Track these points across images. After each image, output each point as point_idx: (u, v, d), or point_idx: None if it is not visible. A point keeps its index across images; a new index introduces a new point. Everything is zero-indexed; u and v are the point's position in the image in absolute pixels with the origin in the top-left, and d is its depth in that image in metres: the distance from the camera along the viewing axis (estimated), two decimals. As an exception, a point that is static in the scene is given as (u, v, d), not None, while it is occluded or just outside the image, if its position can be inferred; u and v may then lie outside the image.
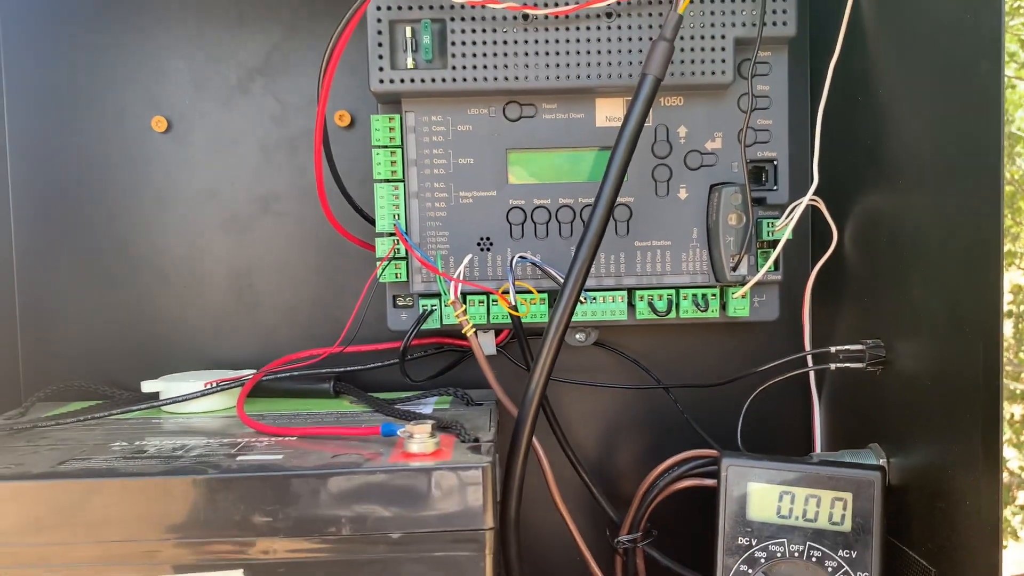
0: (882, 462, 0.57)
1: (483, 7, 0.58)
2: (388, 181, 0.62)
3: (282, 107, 0.69)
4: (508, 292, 0.59)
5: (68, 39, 0.68)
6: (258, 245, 0.70)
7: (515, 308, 0.59)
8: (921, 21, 0.52)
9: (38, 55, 0.68)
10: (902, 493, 0.55)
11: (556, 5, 0.58)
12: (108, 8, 0.68)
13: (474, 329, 0.58)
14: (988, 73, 0.44)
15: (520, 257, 0.61)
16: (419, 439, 0.48)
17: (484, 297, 0.62)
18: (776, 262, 0.63)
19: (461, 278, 0.59)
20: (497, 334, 0.67)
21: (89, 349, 0.70)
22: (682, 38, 0.59)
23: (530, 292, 0.60)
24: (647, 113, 0.55)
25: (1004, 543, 0.53)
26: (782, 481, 0.56)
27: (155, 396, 0.63)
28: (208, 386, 0.62)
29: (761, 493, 0.56)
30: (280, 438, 0.54)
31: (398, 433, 0.50)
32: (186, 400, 0.61)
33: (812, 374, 0.67)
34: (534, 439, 0.59)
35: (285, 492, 0.46)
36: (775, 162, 0.62)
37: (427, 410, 0.61)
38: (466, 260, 0.60)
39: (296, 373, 0.65)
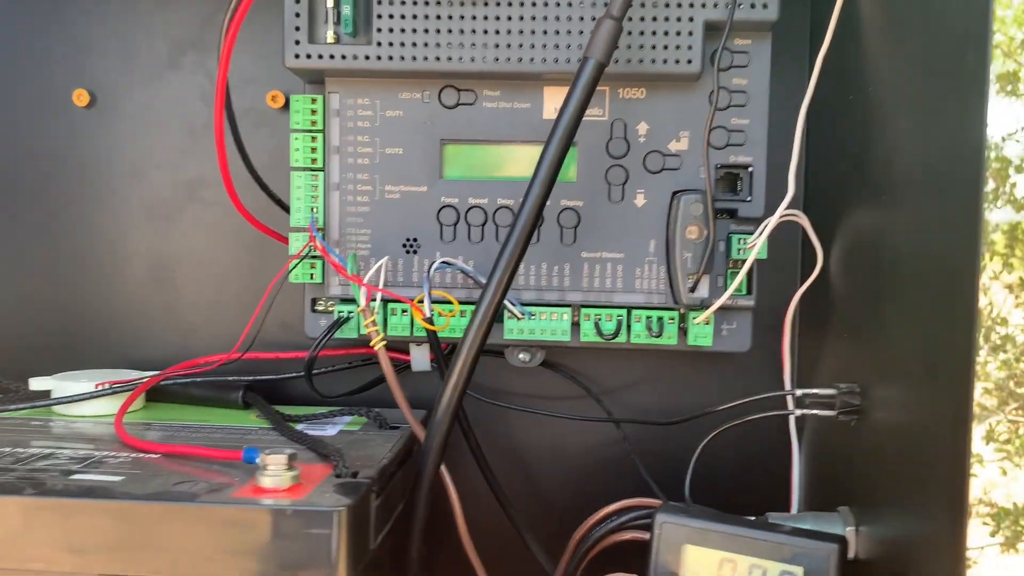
0: (848, 531, 0.48)
1: (412, -25, 0.51)
2: (307, 169, 0.55)
3: (214, 85, 0.63)
4: (423, 303, 0.51)
5: (-10, 2, 0.63)
6: (182, 235, 0.64)
7: (430, 321, 0.51)
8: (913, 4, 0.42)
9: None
10: (873, 568, 0.46)
11: (498, -24, 0.51)
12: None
13: (384, 342, 0.51)
14: (973, 63, 0.35)
15: (443, 263, 0.53)
16: (272, 472, 0.41)
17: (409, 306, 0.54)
18: (748, 285, 0.54)
19: (375, 284, 0.52)
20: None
21: (2, 339, 0.64)
22: (642, 19, 0.51)
23: (450, 303, 0.53)
24: (587, 102, 0.47)
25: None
26: (724, 546, 0.47)
27: (45, 396, 0.57)
28: (99, 388, 0.56)
29: (698, 558, 0.47)
30: (144, 455, 0.47)
31: (256, 461, 0.43)
32: (73, 401, 0.55)
33: (792, 420, 0.57)
34: (446, 475, 0.52)
35: (110, 524, 0.39)
36: (750, 168, 0.53)
37: (332, 431, 0.54)
38: (379, 263, 0.53)
39: (199, 380, 0.58)
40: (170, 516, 0.39)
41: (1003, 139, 2.51)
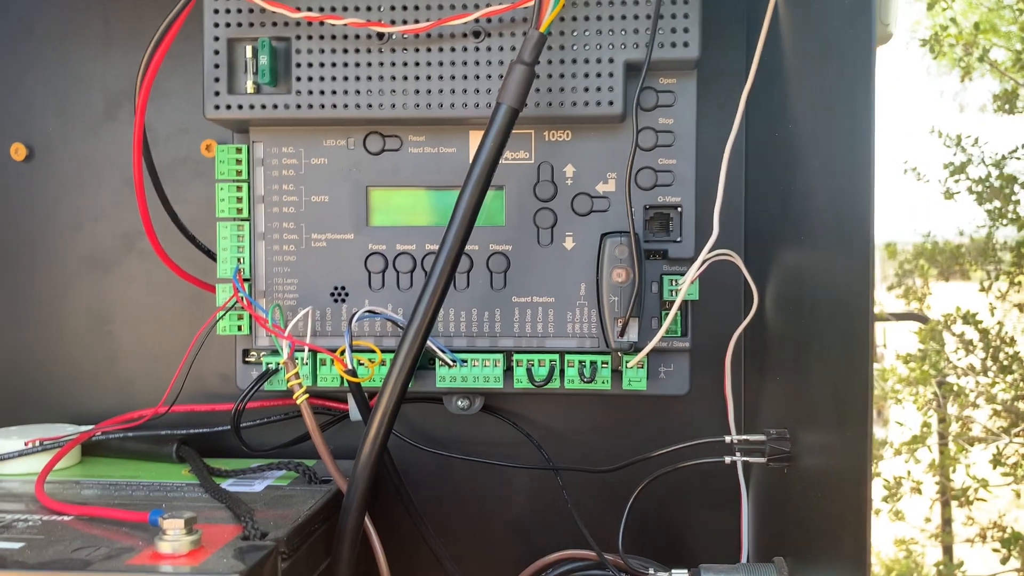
0: (780, 584, 0.46)
1: (326, 24, 0.50)
2: (233, 219, 0.54)
3: (151, 134, 0.62)
4: (345, 354, 0.50)
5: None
6: (120, 286, 0.63)
7: (352, 372, 0.50)
8: (822, 37, 0.41)
9: None
10: (804, 624, 0.44)
11: (414, 21, 0.50)
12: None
13: (306, 396, 0.50)
14: (861, 98, 0.34)
15: (367, 311, 0.52)
16: (171, 536, 0.40)
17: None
18: (682, 326, 0.53)
19: (300, 335, 0.51)
20: (370, 397, 0.58)
21: (-58, 394, 0.64)
22: (563, 62, 0.50)
23: (373, 352, 0.52)
24: (502, 148, 0.46)
25: None
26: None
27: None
28: (28, 445, 0.55)
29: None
30: (56, 517, 0.46)
31: (159, 521, 0.41)
32: (2, 460, 0.55)
33: (740, 469, 0.56)
34: (370, 528, 0.50)
35: (-1, 593, 0.38)
36: (680, 209, 0.52)
37: (259, 487, 0.53)
38: (302, 314, 0.52)
39: (136, 434, 0.57)
40: (59, 587, 0.38)
41: (1003, 157, 2.49)
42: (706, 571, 0.48)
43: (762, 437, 0.48)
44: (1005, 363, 2.27)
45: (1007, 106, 2.40)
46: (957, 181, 2.47)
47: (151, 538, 0.42)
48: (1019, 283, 2.50)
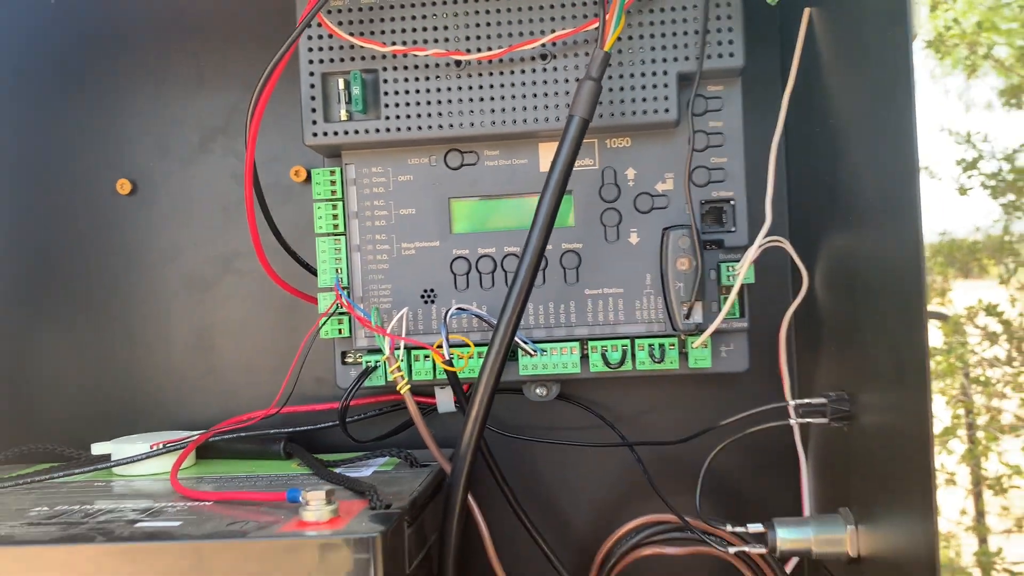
0: (849, 529, 0.51)
1: (412, 55, 0.57)
2: (330, 235, 0.60)
3: (243, 165, 0.69)
4: (442, 347, 0.56)
5: (35, 107, 0.70)
6: (220, 304, 0.69)
7: (449, 363, 0.56)
8: (857, 40, 0.47)
9: (8, 124, 0.70)
10: (871, 562, 0.50)
11: (488, 49, 0.56)
12: (72, 77, 0.69)
13: (409, 386, 0.56)
14: (901, 95, 0.39)
15: (458, 309, 0.58)
16: (313, 507, 0.46)
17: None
18: (739, 308, 0.58)
19: (397, 333, 0.57)
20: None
21: (58, 410, 0.70)
22: (621, 76, 0.56)
23: (467, 345, 0.58)
24: (575, 155, 0.52)
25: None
26: None
27: (106, 460, 0.63)
28: (154, 448, 0.61)
29: None
30: (197, 503, 0.52)
31: (299, 499, 0.47)
32: (131, 463, 0.61)
33: (797, 431, 0.61)
34: (472, 503, 0.56)
35: (172, 563, 0.44)
36: (733, 202, 0.58)
37: (367, 473, 0.58)
38: (401, 314, 0.58)
39: (244, 434, 0.63)
40: (225, 552, 0.44)
41: (1014, 151, 2.53)
42: (779, 524, 0.53)
43: (823, 400, 0.53)
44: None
45: (1014, 100, 2.45)
46: (970, 177, 2.52)
47: (290, 514, 0.48)
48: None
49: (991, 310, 2.25)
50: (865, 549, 0.50)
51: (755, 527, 0.54)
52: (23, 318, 0.70)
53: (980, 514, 2.51)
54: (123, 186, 0.69)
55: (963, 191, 2.57)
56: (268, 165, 0.68)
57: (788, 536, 0.52)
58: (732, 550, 0.55)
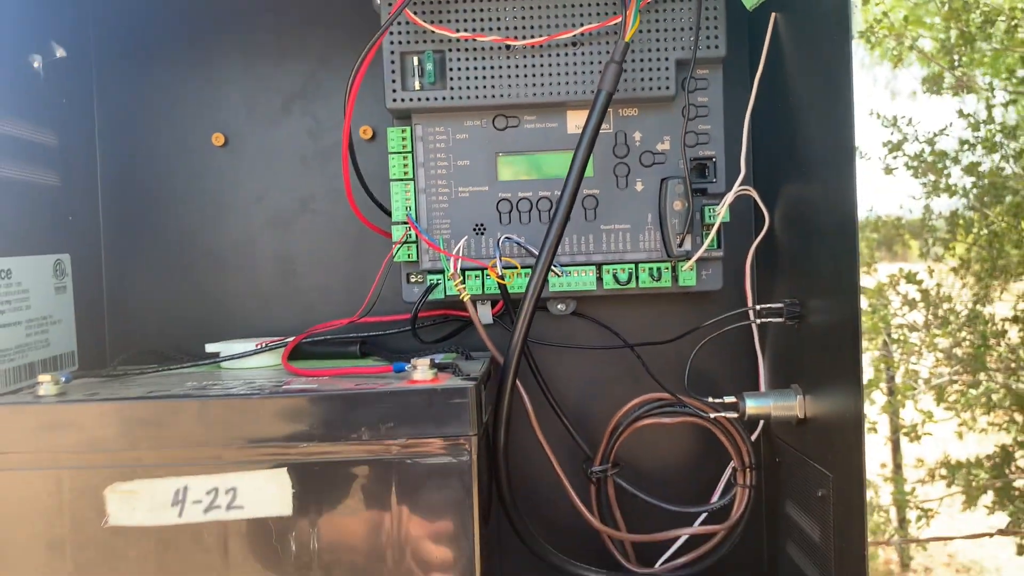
0: (798, 399, 0.70)
1: (474, 40, 0.73)
2: (401, 180, 0.77)
3: (317, 124, 0.85)
4: (496, 266, 0.73)
5: (143, 75, 0.84)
6: (298, 237, 0.85)
7: (502, 278, 0.73)
8: (810, 37, 0.66)
9: (122, 89, 0.84)
10: (813, 421, 0.69)
11: (532, 36, 0.73)
12: (174, 50, 0.84)
13: (470, 297, 0.73)
14: (841, 76, 0.58)
15: (507, 238, 0.75)
16: (421, 370, 0.63)
17: (479, 272, 0.76)
18: (717, 241, 0.77)
19: (460, 255, 0.74)
20: (493, 306, 0.81)
21: (162, 324, 0.85)
22: (633, 60, 0.74)
23: (515, 266, 0.75)
24: (602, 121, 0.69)
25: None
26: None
27: (216, 356, 0.78)
28: (259, 346, 0.77)
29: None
30: (315, 378, 0.68)
31: (406, 368, 0.64)
32: (242, 357, 0.76)
33: (755, 330, 0.80)
34: (519, 384, 0.74)
35: (319, 407, 0.60)
36: (714, 159, 0.77)
37: (436, 360, 0.75)
38: (463, 241, 0.75)
39: (330, 337, 0.80)
40: (366, 399, 0.60)
41: (935, 135, 2.78)
42: (747, 396, 0.72)
43: (780, 305, 0.72)
44: (944, 317, 2.57)
45: (935, 87, 2.70)
46: (895, 158, 2.76)
47: (400, 379, 0.64)
48: (952, 248, 2.81)
49: (911, 278, 2.50)
50: (810, 412, 0.69)
51: (729, 399, 0.72)
52: (129, 249, 0.85)
53: (898, 467, 2.79)
54: (217, 139, 0.84)
55: (888, 171, 2.81)
56: (338, 125, 0.84)
57: (754, 404, 0.71)
58: (712, 415, 0.74)
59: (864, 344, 2.43)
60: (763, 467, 0.82)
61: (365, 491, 0.61)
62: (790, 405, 0.71)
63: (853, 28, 0.62)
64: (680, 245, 0.75)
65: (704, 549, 0.79)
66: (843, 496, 0.63)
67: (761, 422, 0.79)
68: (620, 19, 0.70)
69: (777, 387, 0.74)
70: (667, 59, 0.74)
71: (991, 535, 1.91)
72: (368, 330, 0.82)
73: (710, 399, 0.73)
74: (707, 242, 0.75)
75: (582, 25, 0.73)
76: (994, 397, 2.24)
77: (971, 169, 2.66)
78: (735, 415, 0.72)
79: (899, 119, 2.73)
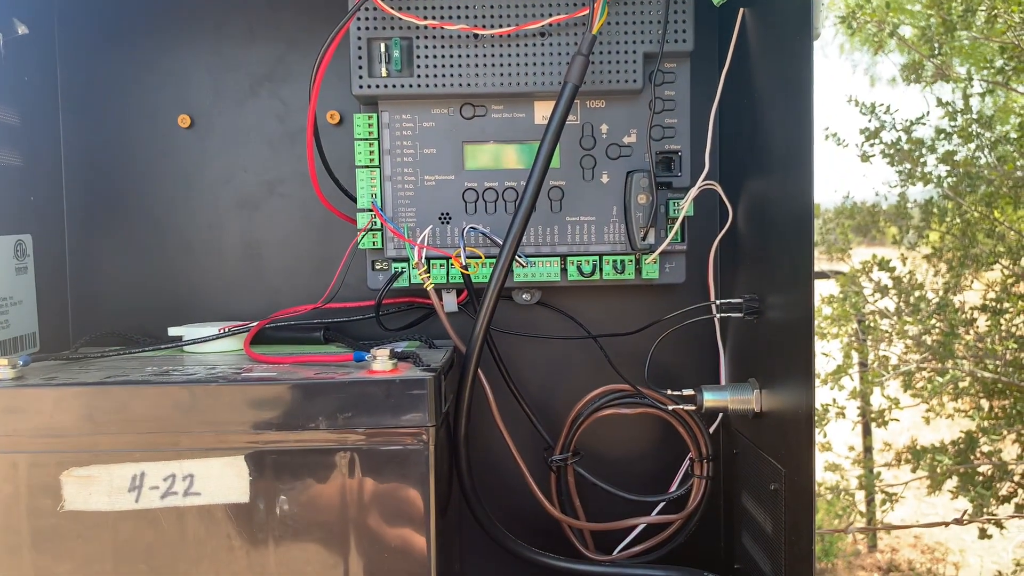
0: (755, 392, 0.71)
1: (441, 28, 0.73)
2: (367, 167, 0.77)
3: (285, 108, 0.84)
4: (460, 256, 0.74)
5: (109, 54, 0.83)
6: (265, 221, 0.85)
7: (465, 268, 0.74)
8: (776, 36, 0.66)
9: (87, 68, 0.83)
10: (768, 415, 0.70)
11: (500, 26, 0.73)
12: (141, 29, 0.83)
13: (434, 285, 0.73)
14: (802, 73, 0.58)
15: (471, 228, 0.75)
16: (381, 360, 0.63)
17: (444, 261, 0.76)
18: (681, 234, 0.77)
19: (424, 244, 0.74)
20: (458, 295, 0.81)
21: (126, 306, 0.85)
22: (601, 53, 0.74)
23: (479, 256, 0.75)
24: (568, 113, 0.70)
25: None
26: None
27: (179, 340, 0.78)
28: (222, 331, 0.77)
29: None
30: (276, 365, 0.68)
31: (366, 358, 0.64)
32: (204, 341, 0.76)
33: (717, 325, 0.81)
34: (481, 373, 0.74)
35: (277, 396, 0.61)
36: (680, 153, 0.77)
37: (398, 349, 0.76)
38: (427, 230, 0.75)
39: (294, 323, 0.80)
40: (324, 389, 0.61)
41: (911, 123, 2.80)
42: (705, 389, 0.73)
43: (740, 300, 0.73)
44: (915, 304, 2.60)
45: (914, 76, 2.71)
46: (872, 145, 2.77)
47: (359, 369, 0.65)
48: (926, 236, 2.84)
49: (883, 265, 2.52)
50: (766, 406, 0.70)
51: (688, 391, 0.73)
52: (94, 230, 0.85)
53: (867, 450, 2.83)
54: (184, 120, 0.84)
55: (865, 158, 2.83)
56: (306, 109, 0.83)
57: (712, 397, 0.72)
58: (670, 407, 0.75)
59: (834, 330, 2.44)
60: (722, 459, 0.83)
61: (322, 479, 0.61)
62: (747, 399, 0.72)
63: (816, 29, 0.62)
64: (644, 238, 0.76)
65: (661, 537, 0.80)
66: (794, 490, 0.64)
67: (720, 414, 0.80)
68: (588, 11, 0.70)
69: (737, 380, 0.75)
70: (635, 52, 0.74)
71: (947, 524, 1.94)
72: (333, 316, 0.82)
73: (669, 391, 0.74)
74: (671, 236, 0.76)
75: (550, 16, 0.73)
76: (960, 384, 2.28)
77: (947, 158, 2.67)
78: (693, 407, 0.73)
79: (877, 107, 2.75)
